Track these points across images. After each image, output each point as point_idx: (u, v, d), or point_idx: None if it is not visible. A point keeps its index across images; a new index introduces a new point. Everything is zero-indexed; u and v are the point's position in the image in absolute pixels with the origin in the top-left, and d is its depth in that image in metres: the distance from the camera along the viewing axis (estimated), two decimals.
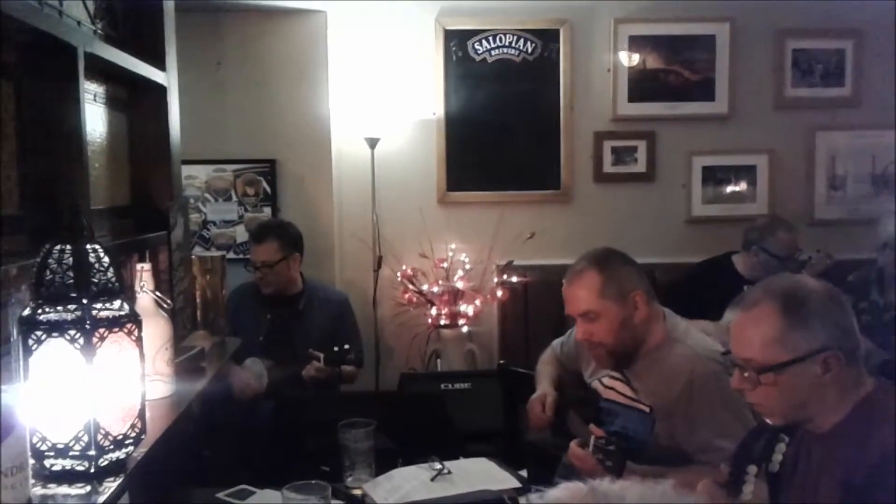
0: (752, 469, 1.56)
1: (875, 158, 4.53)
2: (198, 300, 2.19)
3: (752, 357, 1.59)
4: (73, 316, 1.22)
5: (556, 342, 2.73)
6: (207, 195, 4.24)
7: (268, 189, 4.24)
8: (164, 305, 1.76)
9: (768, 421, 1.63)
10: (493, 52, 4.39)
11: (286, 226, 3.70)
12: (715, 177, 4.52)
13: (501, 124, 4.41)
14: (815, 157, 4.52)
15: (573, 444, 2.14)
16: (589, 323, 2.24)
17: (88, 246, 1.27)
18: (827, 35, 4.47)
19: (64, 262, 1.25)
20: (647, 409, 2.23)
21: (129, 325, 1.29)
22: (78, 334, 1.21)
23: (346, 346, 3.26)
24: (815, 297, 1.58)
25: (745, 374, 1.60)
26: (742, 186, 4.52)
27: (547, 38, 4.39)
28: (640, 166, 4.47)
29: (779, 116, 4.50)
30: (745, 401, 1.74)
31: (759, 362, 1.57)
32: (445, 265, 4.25)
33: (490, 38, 4.38)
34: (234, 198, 4.25)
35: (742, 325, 1.63)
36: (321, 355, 3.23)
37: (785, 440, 1.58)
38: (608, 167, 4.47)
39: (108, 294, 1.27)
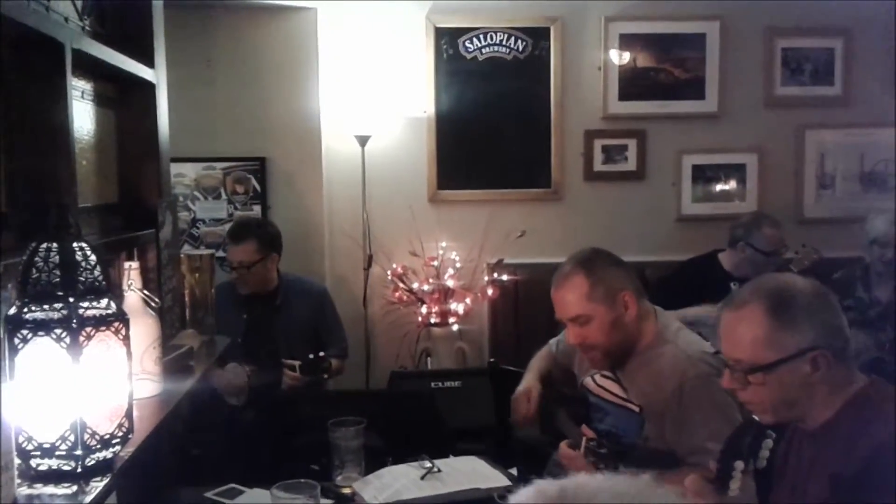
0: (739, 465, 1.56)
1: (864, 157, 4.55)
2: (186, 299, 2.18)
3: (741, 357, 1.59)
4: (60, 315, 1.21)
5: (553, 340, 2.73)
6: (197, 193, 4.23)
7: (257, 187, 4.23)
8: (152, 304, 1.75)
9: (758, 419, 1.63)
10: (483, 51, 4.38)
11: (265, 225, 3.65)
12: (705, 175, 4.53)
13: (492, 122, 4.41)
14: (805, 155, 4.54)
15: (563, 445, 2.14)
16: (580, 327, 2.23)
17: (75, 244, 1.26)
18: (816, 34, 4.49)
19: (50, 260, 1.23)
20: (636, 410, 2.23)
21: (116, 324, 1.28)
22: (64, 333, 1.20)
23: (321, 354, 3.22)
24: (803, 296, 1.58)
25: (735, 374, 1.61)
26: (732, 185, 4.54)
27: (538, 36, 4.39)
28: (631, 165, 4.48)
29: (768, 115, 4.51)
30: (736, 402, 1.75)
31: (747, 362, 1.58)
32: (436, 263, 4.25)
33: (481, 36, 4.37)
34: (224, 196, 4.24)
35: (731, 324, 1.63)
36: (297, 364, 3.19)
37: (772, 437, 1.59)
38: (598, 165, 4.47)
39: (94, 293, 1.26)
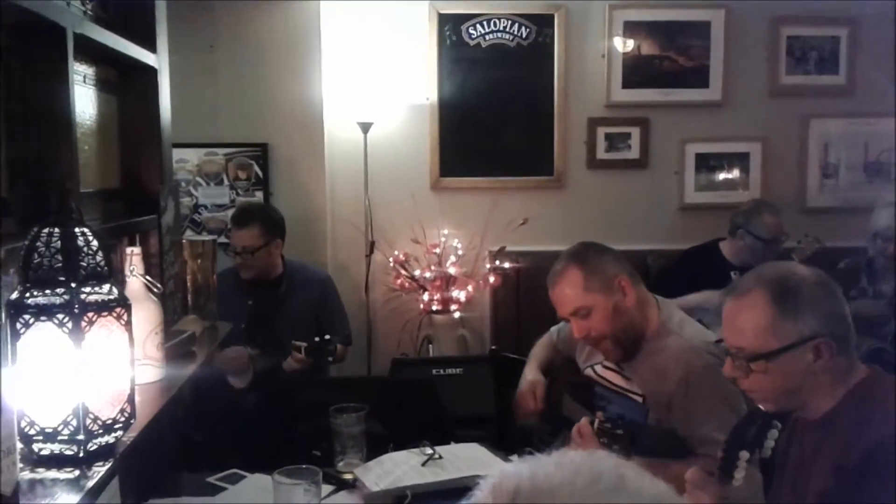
0: (744, 455, 1.56)
1: (868, 146, 4.53)
2: (188, 284, 2.18)
3: (743, 345, 1.59)
4: (62, 300, 1.21)
5: (554, 328, 2.72)
6: (199, 179, 4.22)
7: (260, 173, 4.23)
8: (155, 289, 1.74)
9: (762, 407, 1.63)
10: (487, 37, 4.37)
11: (269, 210, 3.65)
12: (708, 164, 4.52)
13: (495, 110, 4.40)
14: (808, 144, 4.53)
15: (585, 421, 2.09)
16: (583, 319, 2.23)
17: (77, 229, 1.26)
18: (821, 23, 4.47)
19: (52, 245, 1.23)
20: (639, 400, 2.23)
21: (118, 310, 1.28)
22: (66, 318, 1.20)
23: (327, 337, 3.21)
24: (806, 284, 1.58)
25: (737, 362, 1.60)
26: (735, 174, 4.53)
27: (541, 23, 4.37)
28: (634, 153, 4.47)
29: (772, 104, 4.50)
30: (740, 390, 1.74)
31: (750, 350, 1.58)
32: (438, 251, 4.25)
33: (484, 23, 4.36)
34: (226, 182, 4.23)
35: (734, 312, 1.63)
36: (303, 346, 3.19)
37: (777, 426, 1.59)
38: (601, 153, 4.46)
39: (96, 278, 1.26)
